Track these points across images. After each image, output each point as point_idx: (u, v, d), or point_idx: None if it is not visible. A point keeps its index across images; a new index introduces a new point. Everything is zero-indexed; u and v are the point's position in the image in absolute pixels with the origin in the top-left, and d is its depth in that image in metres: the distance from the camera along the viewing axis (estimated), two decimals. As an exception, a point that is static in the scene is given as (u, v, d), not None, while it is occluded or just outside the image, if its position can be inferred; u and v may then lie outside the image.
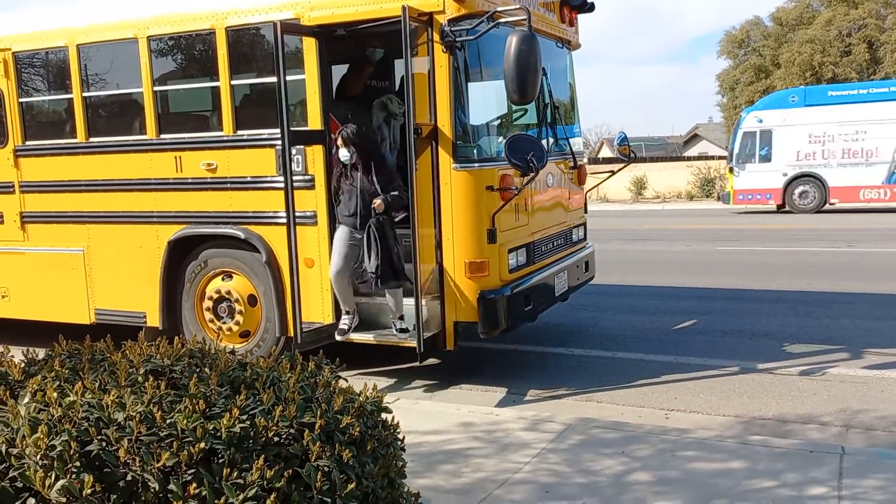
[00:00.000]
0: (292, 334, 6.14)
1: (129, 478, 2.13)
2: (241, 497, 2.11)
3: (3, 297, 7.64)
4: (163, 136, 6.69)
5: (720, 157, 35.70)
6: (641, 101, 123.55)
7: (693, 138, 52.99)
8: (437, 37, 5.67)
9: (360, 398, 2.82)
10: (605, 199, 30.87)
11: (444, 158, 5.79)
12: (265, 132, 6.26)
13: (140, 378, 2.54)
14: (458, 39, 5.66)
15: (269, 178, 6.30)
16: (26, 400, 2.39)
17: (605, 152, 50.55)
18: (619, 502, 3.90)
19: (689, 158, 39.70)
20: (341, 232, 6.11)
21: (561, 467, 4.35)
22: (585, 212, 7.98)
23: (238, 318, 6.68)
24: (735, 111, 29.51)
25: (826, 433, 5.18)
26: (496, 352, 7.44)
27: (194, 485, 2.13)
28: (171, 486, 2.11)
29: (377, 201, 5.88)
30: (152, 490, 2.12)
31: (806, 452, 4.47)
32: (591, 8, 7.34)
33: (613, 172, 8.14)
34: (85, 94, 6.98)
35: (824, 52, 25.82)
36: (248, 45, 6.44)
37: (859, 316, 8.41)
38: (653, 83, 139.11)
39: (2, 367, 2.78)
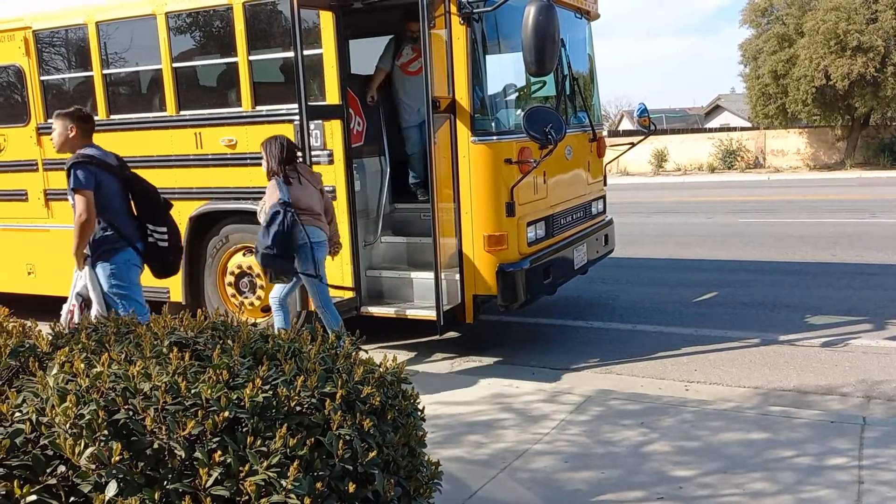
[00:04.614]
0: (313, 308, 6.19)
1: (155, 445, 2.17)
2: (264, 464, 2.15)
3: (30, 273, 7.76)
4: (182, 112, 6.73)
5: (742, 129, 35.18)
6: (662, 72, 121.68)
7: (715, 109, 52.03)
8: (454, 8, 5.63)
9: (381, 369, 2.85)
10: (626, 172, 30.57)
11: (462, 131, 5.78)
12: (283, 107, 6.28)
13: (164, 350, 2.58)
14: (475, 11, 5.62)
15: (288, 154, 6.31)
16: (54, 371, 2.44)
17: (625, 125, 49.91)
18: (638, 473, 3.93)
19: (710, 130, 39.09)
20: None
21: (580, 438, 4.38)
22: (605, 184, 7.93)
23: (259, 293, 6.74)
24: (758, 81, 28.83)
25: (847, 404, 5.17)
26: (515, 325, 7.46)
27: (219, 452, 2.17)
28: (197, 454, 2.16)
29: None
30: (178, 457, 2.17)
31: (827, 423, 4.47)
32: None
33: (633, 144, 8.06)
34: (105, 72, 7.02)
35: (849, 19, 25.11)
36: (266, 21, 6.43)
37: (882, 287, 8.33)
38: (674, 54, 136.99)
39: (30, 339, 2.84)
